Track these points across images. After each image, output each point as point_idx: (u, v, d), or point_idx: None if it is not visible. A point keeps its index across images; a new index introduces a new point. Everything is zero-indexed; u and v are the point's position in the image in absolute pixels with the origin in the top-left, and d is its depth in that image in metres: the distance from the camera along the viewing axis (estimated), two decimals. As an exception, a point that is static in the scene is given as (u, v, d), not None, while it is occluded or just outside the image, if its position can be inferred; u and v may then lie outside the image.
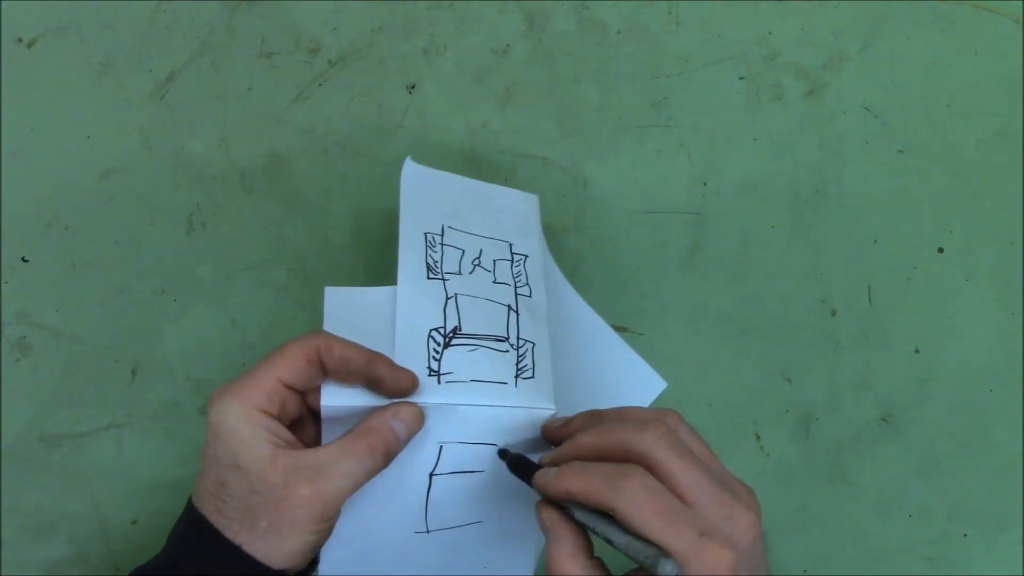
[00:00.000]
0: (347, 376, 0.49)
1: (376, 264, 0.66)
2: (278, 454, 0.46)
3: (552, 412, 0.51)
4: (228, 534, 0.46)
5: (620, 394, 0.61)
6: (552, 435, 0.51)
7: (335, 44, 0.64)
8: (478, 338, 0.52)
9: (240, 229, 0.66)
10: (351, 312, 0.53)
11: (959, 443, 0.67)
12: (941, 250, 0.66)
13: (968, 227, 0.66)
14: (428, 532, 0.53)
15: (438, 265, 0.55)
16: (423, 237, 0.56)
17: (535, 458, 0.50)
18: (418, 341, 0.52)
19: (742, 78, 0.65)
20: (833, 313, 0.67)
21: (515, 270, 0.57)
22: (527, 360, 0.53)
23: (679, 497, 0.43)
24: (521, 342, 0.53)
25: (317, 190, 0.66)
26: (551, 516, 0.46)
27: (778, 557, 0.68)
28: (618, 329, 0.66)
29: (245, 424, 0.47)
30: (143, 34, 0.64)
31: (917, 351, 0.67)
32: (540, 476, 0.46)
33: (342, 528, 0.51)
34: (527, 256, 0.58)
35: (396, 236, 0.66)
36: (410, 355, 0.51)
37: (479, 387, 0.51)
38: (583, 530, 0.46)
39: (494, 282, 0.55)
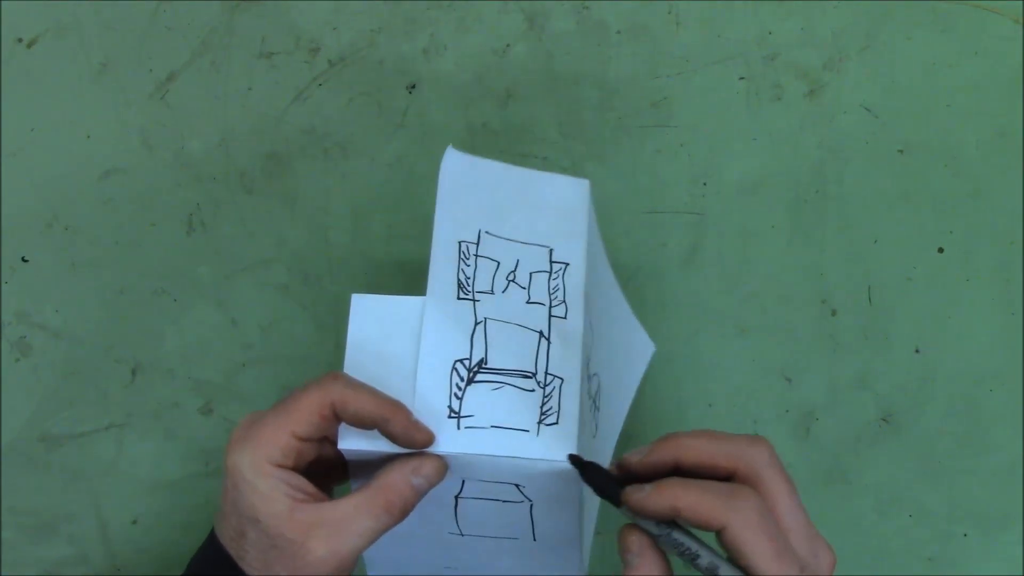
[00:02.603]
0: (364, 427, 0.49)
1: (376, 264, 0.66)
2: (295, 509, 0.46)
3: (565, 466, 0.49)
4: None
5: (616, 355, 0.61)
6: (631, 466, 0.47)
7: (335, 44, 0.64)
8: (504, 373, 0.51)
9: (240, 229, 0.66)
10: (377, 323, 0.52)
11: (959, 443, 0.67)
12: (941, 250, 0.66)
13: (968, 227, 0.66)
14: (463, 535, 0.53)
15: (470, 283, 0.53)
16: (457, 247, 0.54)
17: (559, 511, 0.49)
18: (441, 374, 0.50)
19: (742, 78, 0.65)
20: (833, 313, 0.67)
21: (552, 283, 0.54)
22: (552, 402, 0.51)
23: (777, 521, 0.42)
24: (549, 378, 0.51)
25: (317, 190, 0.66)
26: (641, 541, 0.44)
27: (778, 557, 0.68)
28: (618, 329, 0.66)
29: (261, 478, 0.47)
30: (143, 34, 0.64)
31: (917, 351, 0.67)
32: (633, 491, 0.44)
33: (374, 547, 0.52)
34: (567, 264, 0.55)
35: (396, 236, 0.66)
36: (432, 391, 0.50)
37: (499, 434, 0.49)
38: (666, 559, 0.44)
39: (527, 302, 0.53)
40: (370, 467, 0.50)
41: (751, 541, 0.41)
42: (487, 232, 0.55)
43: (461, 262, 0.54)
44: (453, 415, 0.50)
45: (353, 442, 0.49)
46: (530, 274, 0.54)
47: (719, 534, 0.42)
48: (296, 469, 0.48)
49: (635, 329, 0.64)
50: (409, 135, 0.65)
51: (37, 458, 0.67)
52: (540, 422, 0.50)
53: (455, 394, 0.50)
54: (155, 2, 0.63)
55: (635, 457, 0.46)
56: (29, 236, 0.65)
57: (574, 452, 0.49)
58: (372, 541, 0.47)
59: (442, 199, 0.55)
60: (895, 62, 0.65)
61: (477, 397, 0.50)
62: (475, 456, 0.49)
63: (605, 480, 0.46)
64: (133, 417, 0.67)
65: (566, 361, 0.52)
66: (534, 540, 0.52)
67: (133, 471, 0.67)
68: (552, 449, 0.49)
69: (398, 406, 0.48)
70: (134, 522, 0.67)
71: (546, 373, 0.51)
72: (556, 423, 0.50)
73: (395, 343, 0.51)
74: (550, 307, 0.53)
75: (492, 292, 0.53)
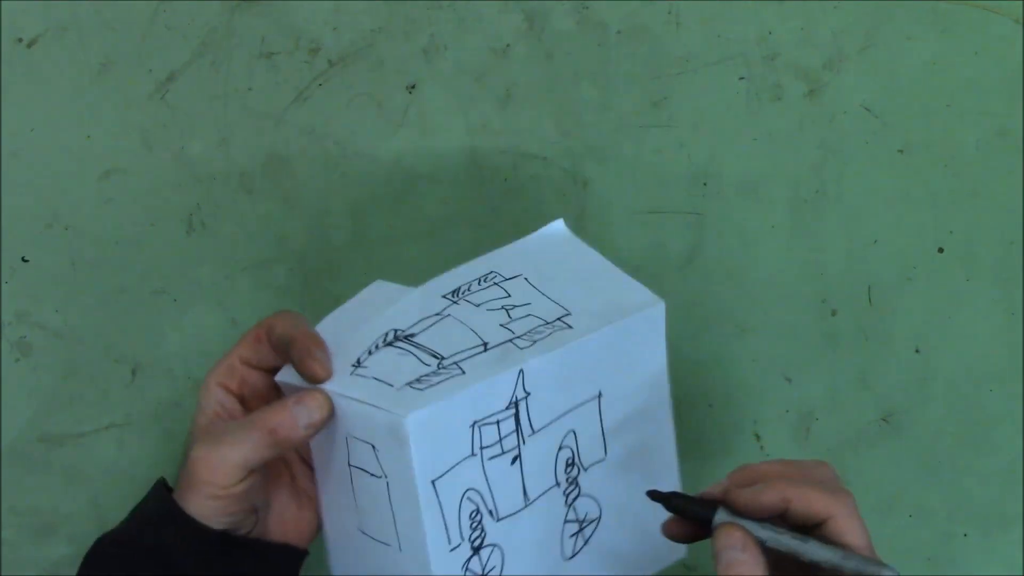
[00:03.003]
0: (283, 354, 0.51)
1: (377, 264, 0.66)
2: (210, 421, 0.51)
3: (402, 420, 0.46)
4: (176, 492, 0.50)
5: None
6: (738, 505, 0.47)
7: (335, 44, 0.64)
8: (417, 347, 0.51)
9: (240, 229, 0.66)
10: (375, 304, 0.53)
11: (959, 443, 0.67)
12: (941, 250, 0.66)
13: (968, 227, 0.66)
14: (363, 533, 0.51)
15: (465, 294, 0.53)
16: (488, 273, 0.55)
17: (406, 501, 0.48)
18: (371, 335, 0.51)
19: (742, 78, 0.65)
20: (833, 313, 0.67)
21: (540, 329, 0.52)
22: (436, 379, 0.49)
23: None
24: (452, 366, 0.50)
25: (317, 190, 0.66)
26: (746, 536, 0.45)
27: (778, 557, 0.68)
28: (618, 329, 0.66)
29: (203, 393, 0.52)
30: (143, 34, 0.64)
31: (917, 351, 0.67)
32: (745, 492, 0.46)
33: (329, 533, 0.53)
34: (571, 328, 0.52)
35: (396, 236, 0.66)
36: (355, 348, 0.51)
37: (373, 384, 0.49)
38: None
39: (501, 325, 0.52)
40: (327, 444, 0.50)
41: (856, 529, 0.45)
42: (525, 279, 0.55)
43: (479, 281, 0.54)
44: (355, 365, 0.50)
45: (285, 375, 0.51)
46: (529, 315, 0.53)
47: (822, 525, 0.45)
48: (242, 397, 0.53)
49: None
50: (409, 135, 0.65)
51: (37, 458, 0.67)
52: (409, 384, 0.49)
53: (369, 350, 0.51)
54: (155, 2, 0.63)
55: (714, 489, 0.48)
56: (29, 236, 0.65)
57: (403, 412, 0.46)
58: (244, 456, 0.48)
59: (516, 245, 0.56)
60: (895, 62, 0.65)
61: (382, 357, 0.50)
62: (346, 399, 0.49)
63: (691, 502, 0.48)
64: (133, 417, 0.67)
65: (482, 368, 0.50)
66: (400, 550, 0.50)
67: (133, 471, 0.67)
68: (397, 403, 0.47)
69: (310, 337, 0.50)
70: (134, 522, 0.67)
71: (454, 363, 0.50)
72: (421, 390, 0.48)
73: (369, 321, 0.52)
74: (516, 337, 0.52)
75: (478, 306, 0.53)
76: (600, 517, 0.55)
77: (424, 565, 0.49)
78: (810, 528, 0.46)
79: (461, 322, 0.52)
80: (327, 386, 0.49)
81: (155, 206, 0.66)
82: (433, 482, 0.48)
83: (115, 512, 0.67)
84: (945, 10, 0.64)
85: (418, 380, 0.49)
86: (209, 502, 0.48)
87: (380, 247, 0.66)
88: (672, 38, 0.64)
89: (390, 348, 0.51)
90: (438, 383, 0.49)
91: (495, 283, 0.54)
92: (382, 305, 0.53)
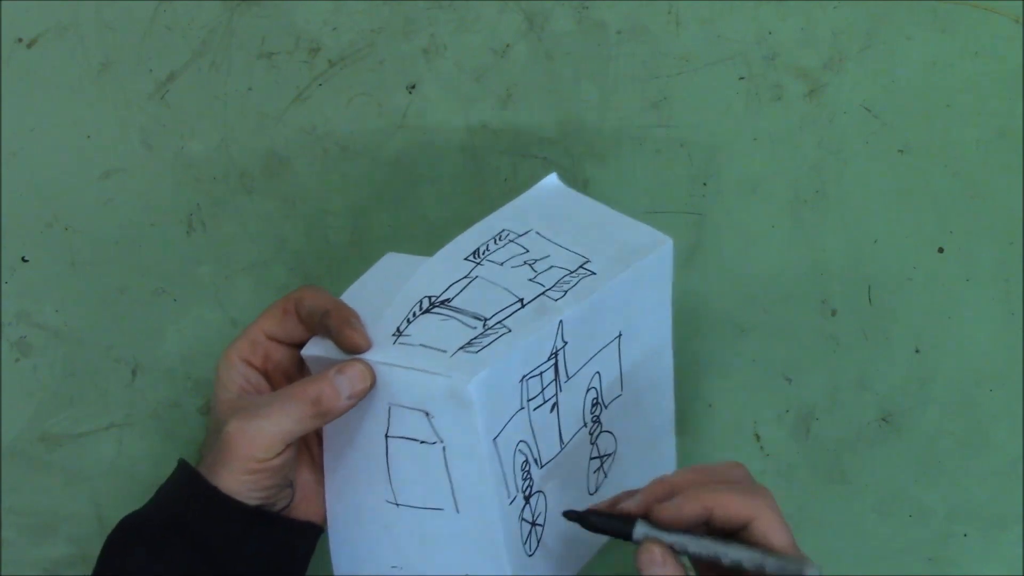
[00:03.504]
0: (315, 327, 0.51)
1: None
2: (236, 396, 0.51)
3: (467, 384, 0.47)
4: (201, 470, 0.49)
5: (640, 437, 0.59)
6: (660, 519, 0.48)
7: (335, 44, 0.64)
8: (458, 312, 0.51)
9: (240, 229, 0.66)
10: (392, 275, 0.53)
11: (959, 443, 0.67)
12: (941, 250, 0.66)
13: (968, 227, 0.66)
14: (398, 506, 0.51)
15: (485, 253, 0.54)
16: (499, 231, 0.55)
17: (469, 459, 0.48)
18: (406, 305, 0.51)
19: (742, 78, 0.65)
20: (833, 313, 0.67)
21: (567, 279, 0.54)
22: (485, 340, 0.50)
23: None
24: (499, 326, 0.51)
25: (317, 190, 0.66)
26: (664, 552, 0.46)
27: (778, 557, 0.68)
28: (618, 329, 0.66)
29: (225, 370, 0.52)
30: (143, 34, 0.64)
31: (917, 351, 0.67)
32: (663, 507, 0.46)
33: (333, 519, 0.53)
34: (594, 274, 0.54)
35: (396, 236, 0.66)
36: (392, 317, 0.51)
37: (421, 352, 0.49)
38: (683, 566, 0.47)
39: (529, 280, 0.53)
40: (353, 419, 0.50)
41: (777, 528, 0.45)
42: (537, 232, 0.56)
43: (494, 240, 0.55)
44: (396, 334, 0.50)
45: (312, 348, 0.51)
46: (551, 266, 0.54)
47: (745, 528, 0.45)
48: (267, 373, 0.52)
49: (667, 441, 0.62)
50: (409, 135, 0.65)
51: (37, 458, 0.67)
52: (461, 348, 0.49)
53: (407, 319, 0.51)
54: (155, 2, 0.63)
55: (631, 504, 0.48)
56: (29, 236, 0.65)
57: (476, 381, 0.47)
58: (283, 428, 0.48)
59: (517, 203, 0.57)
60: (895, 62, 0.65)
61: (424, 324, 0.51)
62: (393, 368, 0.49)
63: (608, 519, 0.48)
64: (133, 417, 0.67)
65: (527, 324, 0.51)
66: (457, 512, 0.50)
67: (133, 471, 0.67)
68: (455, 368, 0.48)
69: (344, 306, 0.50)
70: (134, 522, 0.67)
71: (497, 322, 0.51)
72: (475, 352, 0.49)
73: (392, 292, 0.52)
74: (547, 289, 0.53)
75: (502, 264, 0.54)
76: (616, 450, 0.58)
77: (489, 523, 0.50)
78: (735, 532, 0.46)
79: (491, 282, 0.53)
80: (370, 356, 0.49)
81: (155, 206, 0.66)
82: (494, 440, 0.49)
83: (115, 512, 0.66)
84: (945, 10, 0.64)
85: (469, 343, 0.49)
86: (245, 477, 0.48)
87: (380, 247, 0.66)
88: (672, 38, 0.64)
89: (429, 315, 0.51)
90: (489, 344, 0.49)
91: (511, 240, 0.55)
92: (400, 276, 0.53)
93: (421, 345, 0.49)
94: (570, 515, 0.50)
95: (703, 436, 0.67)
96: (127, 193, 0.65)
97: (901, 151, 0.66)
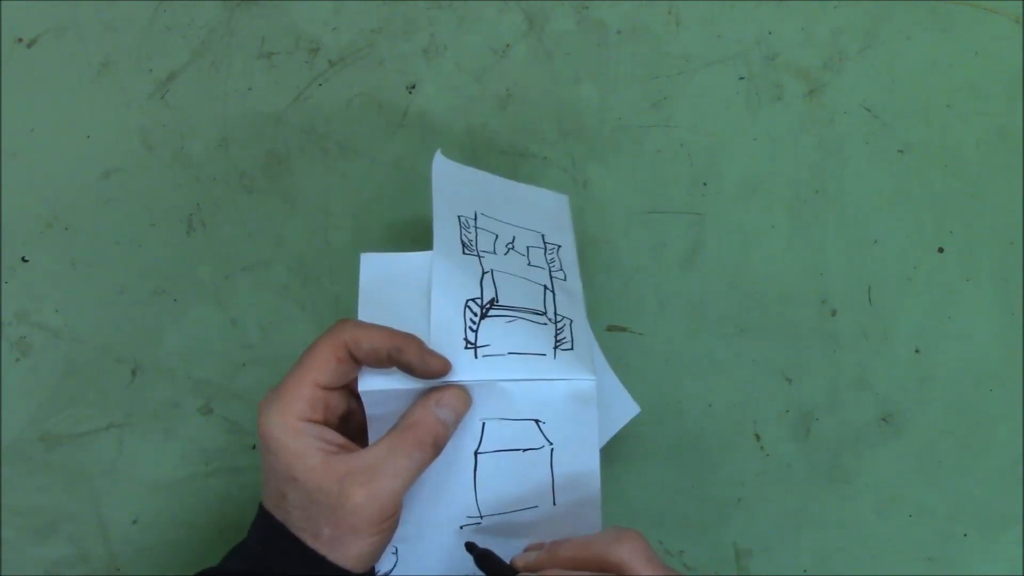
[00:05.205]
0: (380, 363, 0.48)
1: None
2: (330, 461, 0.47)
3: (592, 382, 0.48)
4: (319, 547, 0.47)
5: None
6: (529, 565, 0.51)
7: (335, 44, 0.64)
8: (516, 310, 0.51)
9: (240, 229, 0.66)
10: (387, 278, 0.52)
11: (959, 443, 0.67)
12: (941, 250, 0.66)
13: (968, 227, 0.66)
14: (480, 520, 0.51)
15: (473, 244, 0.54)
16: (457, 219, 0.54)
17: (578, 452, 0.50)
18: (455, 311, 0.50)
19: (742, 78, 0.65)
20: (833, 313, 0.67)
21: (549, 256, 0.55)
22: (566, 333, 0.50)
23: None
24: (559, 317, 0.51)
25: (317, 190, 0.66)
26: None
27: (778, 557, 0.68)
28: (618, 329, 0.66)
29: (293, 437, 0.47)
30: (143, 34, 0.64)
31: (917, 351, 0.67)
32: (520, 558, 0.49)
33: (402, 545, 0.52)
34: (560, 246, 0.56)
35: (396, 236, 0.66)
36: (447, 326, 0.49)
37: (517, 360, 0.49)
38: None
39: (529, 264, 0.54)
40: (390, 420, 0.49)
41: (643, 568, 0.47)
42: (483, 214, 0.56)
43: (462, 229, 0.54)
44: (469, 346, 0.49)
45: (371, 383, 0.48)
46: (527, 247, 0.55)
47: None
48: (327, 423, 0.48)
49: (615, 388, 0.63)
50: (409, 135, 0.65)
51: (37, 458, 0.67)
52: (556, 347, 0.49)
53: (470, 327, 0.50)
54: (155, 2, 0.64)
55: (520, 562, 0.51)
56: (29, 236, 0.65)
57: (591, 375, 0.49)
58: (409, 481, 0.47)
59: (437, 187, 0.56)
60: (895, 62, 0.65)
61: (492, 329, 0.50)
62: (495, 384, 0.48)
63: (494, 566, 0.50)
64: (133, 417, 0.67)
65: (573, 308, 0.52)
66: (554, 505, 0.51)
67: (133, 471, 0.67)
68: (573, 369, 0.48)
69: (410, 336, 0.48)
70: (134, 522, 0.67)
71: (556, 314, 0.51)
72: (571, 349, 0.50)
73: (405, 295, 0.51)
74: (550, 271, 0.54)
75: (495, 253, 0.54)
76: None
77: (593, 504, 0.51)
78: None
79: (506, 273, 0.53)
80: (461, 377, 0.48)
81: (155, 206, 0.66)
82: None
83: (115, 512, 0.67)
84: (945, 10, 0.64)
85: (557, 342, 0.50)
86: (377, 539, 0.47)
87: (380, 247, 0.66)
88: (672, 38, 0.64)
89: (489, 319, 0.50)
90: (573, 337, 0.50)
91: (477, 227, 0.55)
92: (396, 280, 0.52)
93: (511, 353, 0.49)
94: (471, 548, 0.51)
95: (703, 436, 0.67)
96: (127, 193, 0.65)
97: (901, 151, 0.66)
